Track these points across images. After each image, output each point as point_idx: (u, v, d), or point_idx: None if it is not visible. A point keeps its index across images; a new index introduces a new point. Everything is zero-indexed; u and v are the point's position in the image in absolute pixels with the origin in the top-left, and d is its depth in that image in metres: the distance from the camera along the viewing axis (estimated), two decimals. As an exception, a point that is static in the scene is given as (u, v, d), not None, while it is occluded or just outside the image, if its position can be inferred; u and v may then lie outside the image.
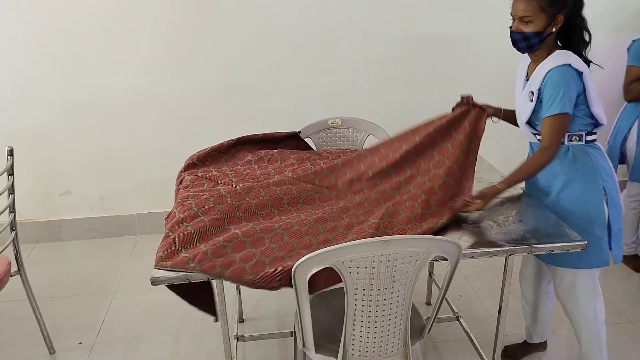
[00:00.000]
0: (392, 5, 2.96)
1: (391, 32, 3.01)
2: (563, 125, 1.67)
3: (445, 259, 1.42)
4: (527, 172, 1.73)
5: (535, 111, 1.73)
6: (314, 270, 1.35)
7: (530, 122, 1.77)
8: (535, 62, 1.74)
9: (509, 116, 1.94)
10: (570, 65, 1.63)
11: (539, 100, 1.70)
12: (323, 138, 2.46)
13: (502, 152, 2.51)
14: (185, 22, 2.88)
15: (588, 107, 1.69)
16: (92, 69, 2.91)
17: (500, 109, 1.94)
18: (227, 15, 2.88)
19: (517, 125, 1.89)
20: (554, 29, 1.66)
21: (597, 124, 1.73)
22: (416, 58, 3.09)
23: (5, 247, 2.00)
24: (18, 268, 2.12)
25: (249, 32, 2.93)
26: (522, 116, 1.78)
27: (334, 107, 2.94)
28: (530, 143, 1.88)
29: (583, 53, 1.71)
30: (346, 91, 3.10)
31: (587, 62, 1.72)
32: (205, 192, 1.78)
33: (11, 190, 2.07)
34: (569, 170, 1.73)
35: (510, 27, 1.70)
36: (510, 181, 1.70)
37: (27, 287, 2.15)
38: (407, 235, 1.36)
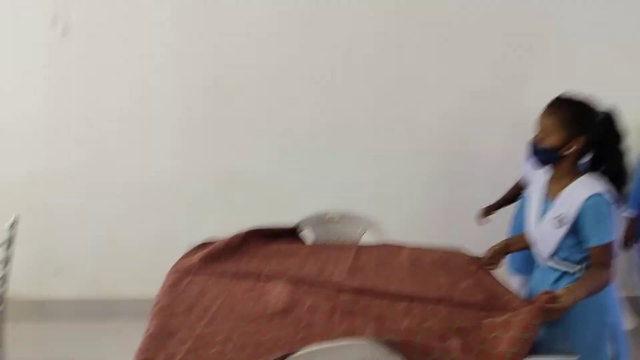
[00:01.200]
0: (394, 104, 3.09)
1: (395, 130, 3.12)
2: (614, 253, 1.63)
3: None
4: (593, 288, 1.58)
5: (567, 238, 1.66)
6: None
7: (556, 250, 1.70)
8: (556, 181, 1.71)
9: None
10: (602, 194, 1.61)
11: (573, 227, 1.63)
12: (321, 231, 2.50)
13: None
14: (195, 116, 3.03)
15: None
16: (104, 154, 3.01)
17: (503, 250, 1.98)
18: (240, 106, 3.03)
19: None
20: (570, 149, 1.63)
21: None
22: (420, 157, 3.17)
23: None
24: (-3, 346, 2.03)
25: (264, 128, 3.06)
26: (548, 242, 1.71)
27: (337, 196, 2.99)
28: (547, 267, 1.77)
29: (616, 190, 1.65)
30: (350, 183, 3.14)
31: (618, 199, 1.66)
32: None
33: (5, 263, 2.04)
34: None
35: (530, 140, 1.72)
36: (579, 294, 1.53)
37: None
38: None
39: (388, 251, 2.18)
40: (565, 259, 1.68)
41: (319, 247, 2.25)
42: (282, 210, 2.54)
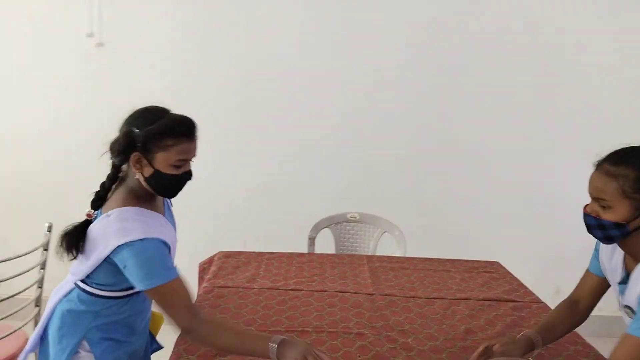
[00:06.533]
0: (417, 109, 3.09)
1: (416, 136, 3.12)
2: None
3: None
4: None
5: None
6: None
7: None
8: (632, 257, 1.31)
9: (548, 335, 1.47)
10: None
11: None
12: (341, 230, 2.68)
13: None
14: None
15: None
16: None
17: (532, 344, 1.42)
18: (270, 118, 3.06)
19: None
20: None
21: None
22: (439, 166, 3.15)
23: (26, 324, 1.99)
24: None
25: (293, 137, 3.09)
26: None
27: (354, 201, 2.99)
28: None
29: None
30: (367, 188, 3.16)
31: None
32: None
33: (43, 265, 2.10)
34: None
35: (585, 207, 1.32)
36: None
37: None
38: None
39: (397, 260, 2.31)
40: None
41: (326, 258, 2.31)
42: (305, 215, 2.66)
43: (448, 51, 2.99)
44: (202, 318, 1.32)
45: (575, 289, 1.54)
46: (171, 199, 1.57)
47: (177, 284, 1.31)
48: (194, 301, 1.35)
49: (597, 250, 1.48)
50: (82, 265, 1.36)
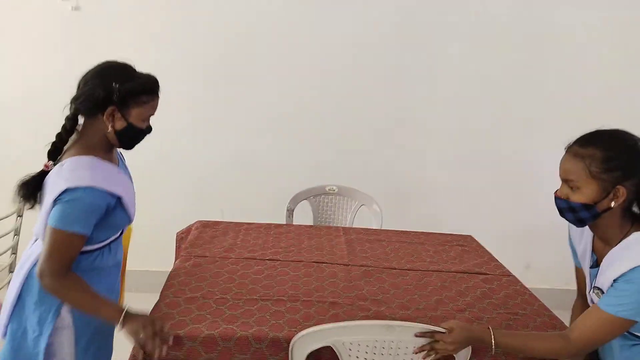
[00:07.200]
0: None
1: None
2: (613, 332, 1.26)
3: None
4: (532, 349, 1.31)
5: None
6: (313, 348, 1.32)
7: None
8: (603, 241, 1.35)
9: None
10: None
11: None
12: (319, 203, 2.72)
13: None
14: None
15: None
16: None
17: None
18: (247, 88, 3.03)
19: None
20: (612, 204, 1.24)
21: None
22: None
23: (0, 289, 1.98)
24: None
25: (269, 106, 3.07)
26: None
27: (332, 174, 3.01)
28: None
29: None
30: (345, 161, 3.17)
31: None
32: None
33: (17, 232, 2.08)
34: None
35: (556, 192, 1.34)
36: (505, 343, 1.31)
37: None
38: (412, 323, 1.33)
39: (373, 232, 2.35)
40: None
41: (304, 229, 2.34)
42: (284, 186, 2.68)
43: (427, 28, 2.98)
44: (64, 280, 1.34)
45: (577, 287, 1.59)
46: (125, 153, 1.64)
47: (76, 240, 1.34)
48: (70, 264, 1.36)
49: (570, 242, 1.53)
50: (40, 219, 1.39)
